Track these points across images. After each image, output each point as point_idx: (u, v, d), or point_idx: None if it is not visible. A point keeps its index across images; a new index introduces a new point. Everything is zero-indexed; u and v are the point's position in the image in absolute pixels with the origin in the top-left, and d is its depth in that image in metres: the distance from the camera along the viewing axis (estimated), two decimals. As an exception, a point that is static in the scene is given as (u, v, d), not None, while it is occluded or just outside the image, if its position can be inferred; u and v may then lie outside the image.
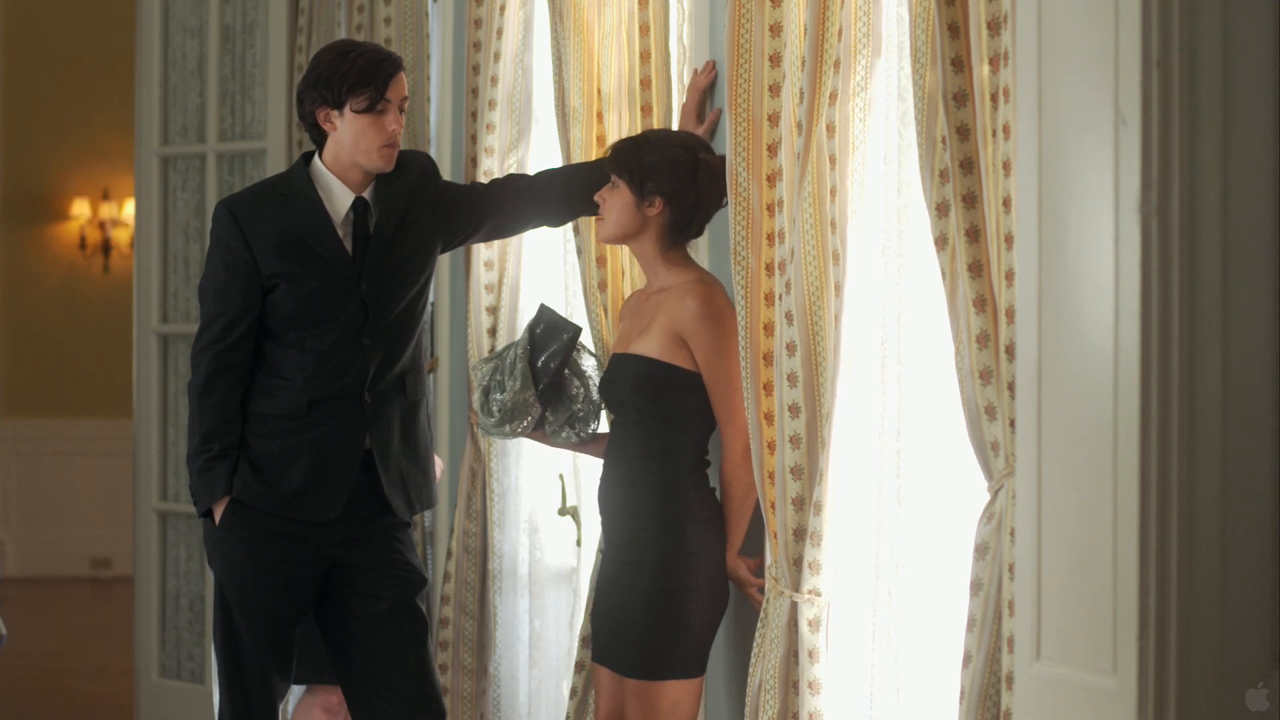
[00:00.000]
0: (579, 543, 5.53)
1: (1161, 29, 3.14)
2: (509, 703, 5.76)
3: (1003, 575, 3.71)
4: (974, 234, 3.79)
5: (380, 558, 4.78)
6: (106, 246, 12.76)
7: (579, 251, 5.20)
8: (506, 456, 5.75)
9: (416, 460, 4.84)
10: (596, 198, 4.65)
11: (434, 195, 4.84)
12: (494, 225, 4.98)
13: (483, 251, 5.66)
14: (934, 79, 3.86)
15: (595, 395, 4.83)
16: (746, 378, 4.47)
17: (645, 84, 4.98)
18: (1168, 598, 3.13)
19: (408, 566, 4.81)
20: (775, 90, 4.43)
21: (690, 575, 4.49)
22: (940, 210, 3.85)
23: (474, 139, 5.72)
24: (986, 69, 3.73)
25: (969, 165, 3.81)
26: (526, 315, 5.46)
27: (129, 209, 12.40)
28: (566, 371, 4.85)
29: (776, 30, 4.41)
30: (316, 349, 4.72)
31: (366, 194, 4.76)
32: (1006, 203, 3.68)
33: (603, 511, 4.67)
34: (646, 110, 4.98)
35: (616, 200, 4.60)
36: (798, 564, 4.33)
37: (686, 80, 4.92)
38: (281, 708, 4.91)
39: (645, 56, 4.97)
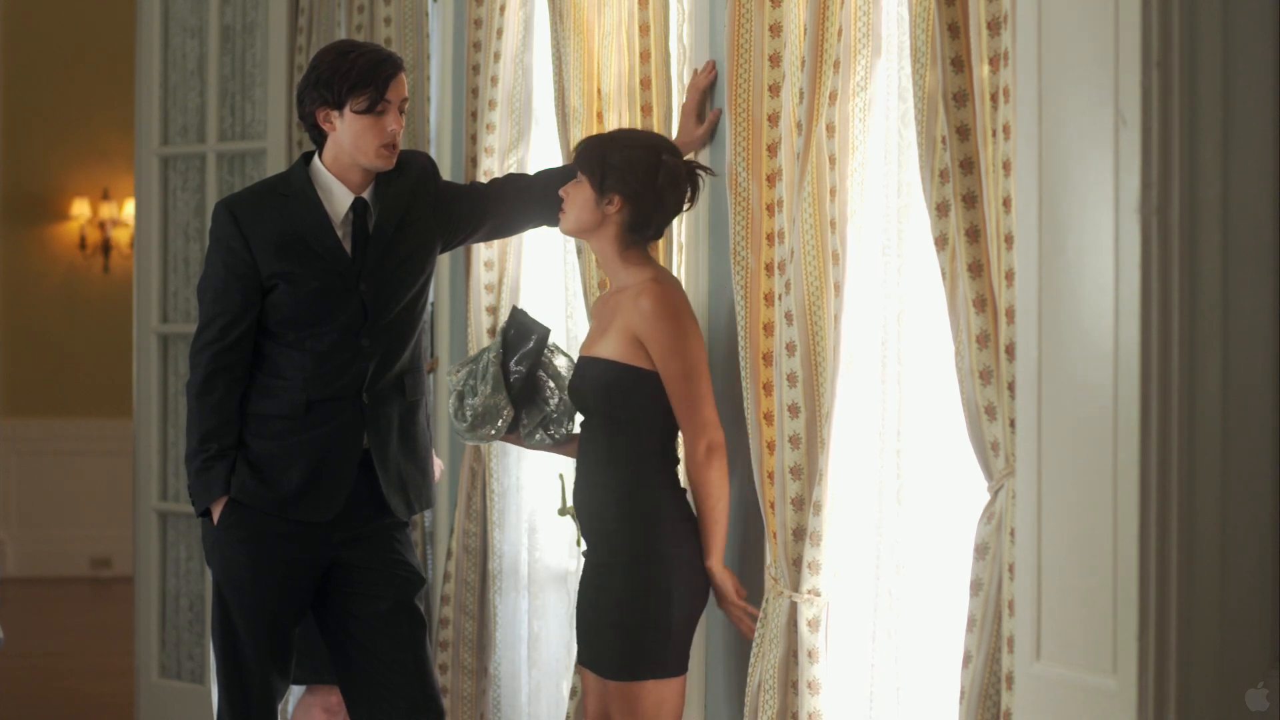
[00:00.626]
0: (579, 543, 5.53)
1: (1161, 29, 3.14)
2: (509, 703, 5.76)
3: (1003, 575, 3.71)
4: (974, 234, 3.80)
5: (379, 558, 4.78)
6: (106, 246, 12.76)
7: (579, 252, 5.20)
8: (506, 457, 5.75)
9: (415, 460, 4.84)
10: (561, 191, 4.65)
11: (434, 195, 4.84)
12: (494, 225, 4.98)
13: (483, 251, 5.66)
14: (934, 79, 3.86)
15: (568, 396, 4.84)
16: (746, 378, 4.47)
17: (645, 84, 4.98)
18: (1168, 598, 3.13)
19: (407, 567, 4.81)
20: (775, 90, 4.43)
21: (665, 575, 4.49)
22: (940, 210, 3.85)
23: (474, 139, 5.72)
24: (986, 69, 3.73)
25: (969, 165, 3.81)
26: (526, 315, 5.46)
27: (129, 209, 12.40)
28: (541, 374, 4.85)
29: (776, 30, 4.41)
30: (315, 349, 4.72)
31: (366, 194, 4.76)
32: (1006, 203, 3.68)
33: (578, 514, 4.68)
34: (646, 110, 4.98)
35: (578, 195, 4.60)
36: (797, 564, 4.33)
37: (686, 80, 4.92)
38: (281, 708, 4.91)
39: (645, 56, 4.97)
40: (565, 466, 5.53)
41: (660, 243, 4.98)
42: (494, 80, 5.65)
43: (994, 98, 3.71)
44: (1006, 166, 3.66)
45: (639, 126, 4.98)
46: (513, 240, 5.62)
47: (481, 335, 5.69)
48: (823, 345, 4.27)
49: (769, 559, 4.44)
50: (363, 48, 4.72)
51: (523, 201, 4.94)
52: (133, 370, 7.20)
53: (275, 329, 4.73)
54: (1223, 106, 3.16)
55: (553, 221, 5.02)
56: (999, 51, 3.69)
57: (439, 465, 5.46)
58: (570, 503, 4.92)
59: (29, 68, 12.59)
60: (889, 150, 4.24)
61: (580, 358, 4.67)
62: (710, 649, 4.85)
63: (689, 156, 4.88)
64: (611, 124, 5.07)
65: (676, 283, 4.63)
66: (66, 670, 9.48)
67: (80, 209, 12.75)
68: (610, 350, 4.55)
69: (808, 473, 4.30)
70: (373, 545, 4.79)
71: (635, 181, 4.54)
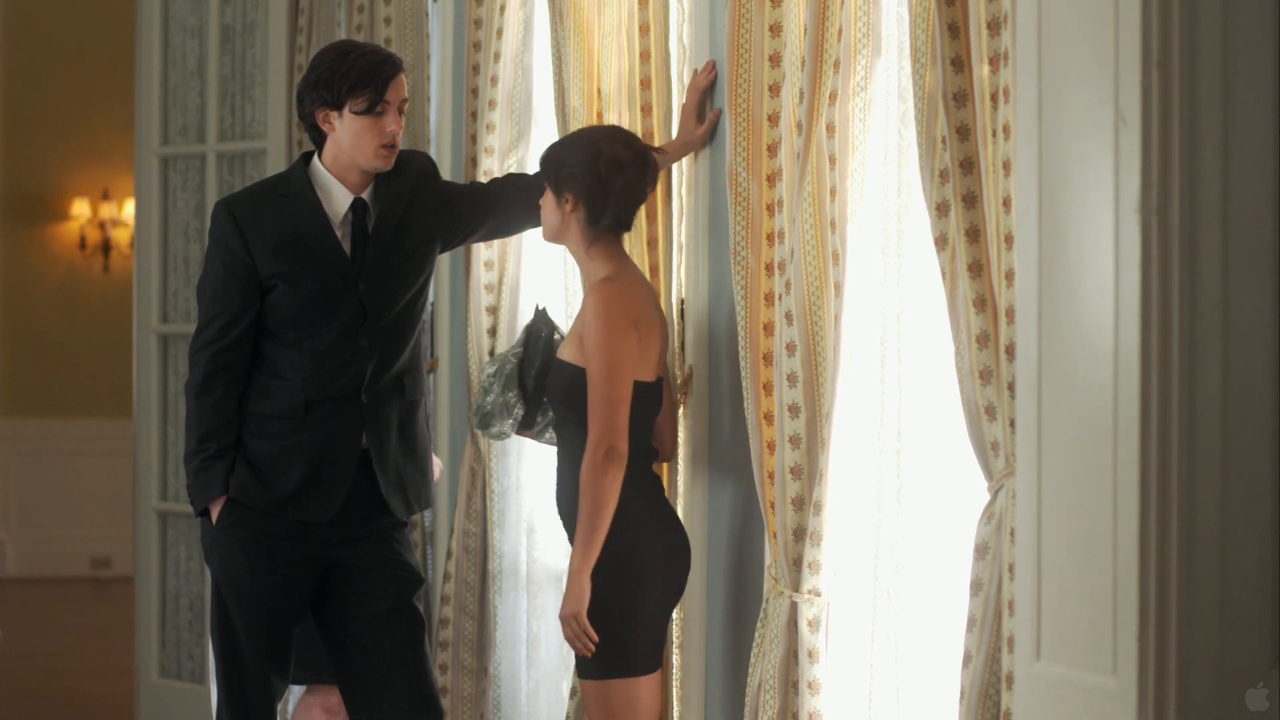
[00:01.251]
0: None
1: (1161, 29, 3.14)
2: (509, 703, 5.76)
3: (1003, 575, 3.71)
4: (974, 234, 3.80)
5: (378, 557, 4.78)
6: (106, 246, 12.76)
7: (579, 251, 5.20)
8: (506, 456, 5.75)
9: (414, 460, 4.84)
10: (541, 201, 4.69)
11: (433, 195, 4.84)
12: (494, 225, 4.98)
13: (483, 251, 5.66)
14: (934, 79, 3.86)
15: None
16: (746, 378, 4.48)
17: (645, 84, 4.98)
18: (1168, 598, 3.13)
19: (406, 566, 4.81)
20: (775, 90, 4.43)
21: (634, 574, 4.49)
22: (940, 210, 3.85)
23: (474, 139, 5.72)
24: (986, 69, 3.73)
25: (969, 165, 3.81)
26: (526, 315, 5.46)
27: (129, 209, 12.40)
28: None
29: (776, 30, 4.41)
30: (315, 349, 4.72)
31: (365, 194, 4.75)
32: (1006, 203, 3.68)
33: (558, 514, 4.69)
34: (646, 110, 4.98)
35: (546, 203, 4.65)
36: (797, 564, 4.33)
37: (686, 80, 4.92)
38: (281, 708, 4.91)
39: (645, 56, 4.97)
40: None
41: (660, 242, 4.98)
42: (494, 80, 5.65)
43: (994, 98, 3.71)
44: (1006, 166, 3.66)
45: (639, 126, 4.98)
46: (513, 240, 5.62)
47: (482, 335, 5.69)
48: (823, 345, 4.27)
49: (769, 559, 4.44)
50: (362, 48, 4.72)
51: (522, 201, 4.94)
52: (133, 370, 7.20)
53: (274, 329, 4.73)
54: (1223, 106, 3.16)
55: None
56: (999, 51, 3.69)
57: (438, 465, 5.46)
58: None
59: (29, 68, 12.59)
60: (889, 150, 4.24)
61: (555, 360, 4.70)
62: (710, 649, 4.85)
63: (689, 157, 4.89)
64: (611, 124, 5.07)
65: (634, 283, 4.60)
66: (66, 670, 9.48)
67: (80, 209, 12.75)
68: (568, 352, 4.59)
69: (808, 473, 4.30)
70: (372, 545, 4.79)
71: (581, 175, 4.55)
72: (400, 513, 4.81)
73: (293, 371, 4.73)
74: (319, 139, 4.74)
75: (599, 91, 5.10)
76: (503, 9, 5.63)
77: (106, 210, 12.75)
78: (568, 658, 5.58)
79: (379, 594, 4.77)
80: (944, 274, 3.87)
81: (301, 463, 4.71)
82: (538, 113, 5.69)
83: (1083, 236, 3.26)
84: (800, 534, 4.33)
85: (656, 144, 4.94)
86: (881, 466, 4.29)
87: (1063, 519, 3.31)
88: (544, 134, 5.66)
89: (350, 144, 4.69)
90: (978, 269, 3.78)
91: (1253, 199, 3.18)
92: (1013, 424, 3.67)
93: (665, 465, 4.93)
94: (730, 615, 4.76)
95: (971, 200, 3.80)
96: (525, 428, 4.91)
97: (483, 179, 5.58)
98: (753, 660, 4.45)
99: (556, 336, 4.92)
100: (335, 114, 4.68)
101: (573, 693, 5.19)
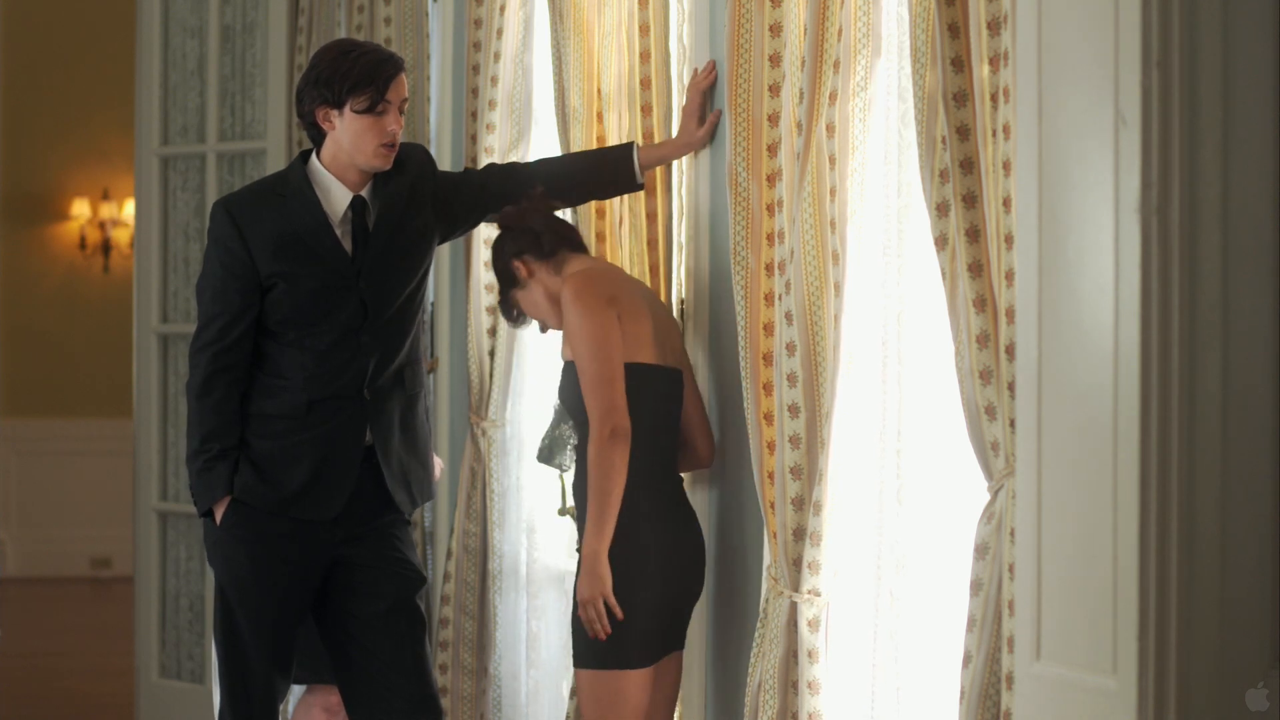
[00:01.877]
0: (579, 545, 5.53)
1: (1161, 29, 3.14)
2: (509, 703, 5.76)
3: (1003, 575, 3.71)
4: (974, 234, 3.79)
5: (381, 555, 4.78)
6: (106, 246, 12.76)
7: (579, 251, 5.20)
8: (507, 457, 5.75)
9: (416, 454, 4.85)
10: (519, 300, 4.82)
11: (432, 189, 4.84)
12: (492, 216, 4.98)
13: (483, 251, 5.66)
14: (934, 79, 3.86)
15: None
16: (746, 378, 4.47)
17: (645, 84, 4.98)
18: (1168, 598, 3.13)
19: (408, 565, 4.81)
20: (775, 90, 4.43)
21: (633, 569, 4.51)
22: (940, 210, 3.85)
23: (474, 139, 5.72)
24: (986, 69, 3.73)
25: (969, 165, 3.81)
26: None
27: (129, 209, 12.40)
28: None
29: (776, 30, 4.41)
30: (316, 348, 4.72)
31: (364, 192, 4.75)
32: (1006, 203, 3.68)
33: (575, 515, 4.75)
34: (646, 110, 4.98)
35: (524, 299, 4.78)
36: (797, 564, 4.33)
37: (686, 80, 4.92)
38: (281, 708, 4.91)
39: (645, 56, 4.97)
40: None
41: (660, 242, 4.99)
42: (494, 80, 5.65)
43: (994, 98, 3.71)
44: (1006, 166, 3.66)
45: (639, 126, 4.98)
46: (513, 240, 5.62)
47: (482, 335, 5.69)
48: (823, 345, 4.27)
49: (769, 559, 4.43)
50: (363, 47, 4.72)
51: (520, 194, 4.92)
52: (133, 370, 7.20)
53: (275, 328, 4.73)
54: (1223, 106, 3.16)
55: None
56: (999, 51, 3.69)
57: (439, 464, 5.46)
58: (570, 503, 4.94)
59: (29, 68, 12.59)
60: (889, 150, 4.24)
61: None
62: (710, 649, 4.85)
63: (689, 156, 4.89)
64: (611, 124, 5.07)
65: (605, 270, 4.71)
66: (66, 670, 9.48)
67: (80, 209, 12.75)
68: (564, 352, 4.67)
69: (808, 473, 4.30)
70: (374, 543, 4.79)
71: (501, 258, 4.78)
72: (405, 506, 4.81)
73: (294, 371, 4.73)
74: (318, 137, 4.73)
75: (599, 91, 5.11)
76: (503, 9, 5.63)
77: (106, 210, 12.75)
78: (568, 658, 5.58)
79: (380, 592, 4.77)
80: (944, 274, 3.87)
81: (306, 461, 4.71)
82: (538, 113, 5.69)
83: (1083, 236, 3.26)
84: (800, 534, 4.32)
85: (656, 143, 4.95)
86: (881, 466, 4.29)
87: (1063, 519, 3.31)
88: (544, 134, 5.66)
89: (350, 143, 4.68)
90: (978, 269, 3.78)
91: (1253, 199, 3.18)
92: (1013, 424, 3.67)
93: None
94: (730, 615, 4.76)
95: (971, 200, 3.80)
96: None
97: (480, 171, 5.58)
98: (752, 660, 4.44)
99: None
100: (335, 113, 4.67)
101: (572, 693, 5.19)
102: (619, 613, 4.48)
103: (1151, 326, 3.14)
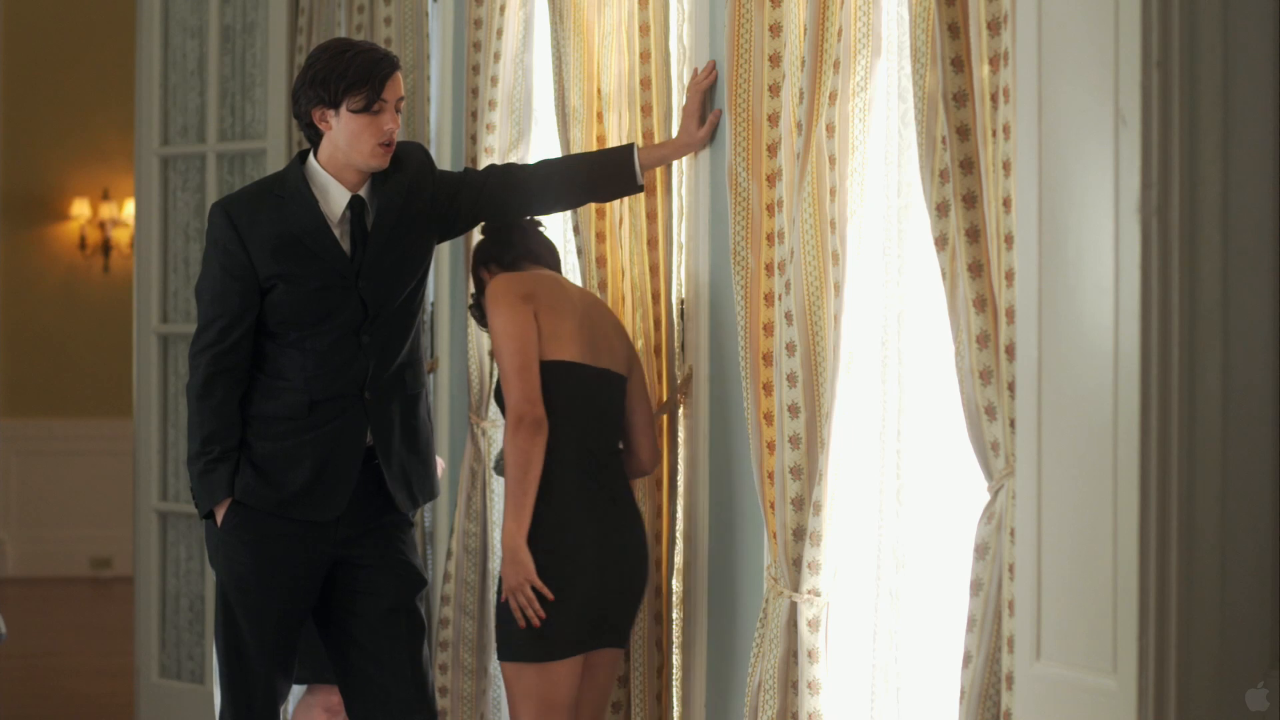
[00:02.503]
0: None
1: (1161, 29, 3.14)
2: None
3: (1003, 575, 3.71)
4: (974, 234, 3.79)
5: (382, 555, 4.78)
6: (106, 246, 12.76)
7: (579, 252, 5.20)
8: (506, 456, 5.75)
9: (417, 453, 4.84)
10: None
11: (431, 189, 4.83)
12: (491, 217, 4.98)
13: (483, 251, 5.66)
14: (934, 79, 3.86)
15: None
16: (746, 378, 4.48)
17: (645, 84, 4.98)
18: (1168, 598, 3.13)
19: (409, 567, 4.81)
20: (775, 90, 4.43)
21: (556, 562, 4.67)
22: (940, 210, 3.85)
23: (474, 139, 5.72)
24: (986, 69, 3.73)
25: (969, 165, 3.81)
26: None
27: (129, 209, 12.40)
28: None
29: (776, 30, 4.41)
30: (316, 348, 4.71)
31: (363, 191, 4.75)
32: (1006, 203, 3.68)
33: None
34: (646, 110, 4.98)
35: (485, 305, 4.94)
36: (797, 564, 4.33)
37: (686, 80, 4.92)
38: (281, 708, 4.91)
39: (645, 56, 4.97)
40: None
41: (660, 242, 4.99)
42: (494, 80, 5.65)
43: (994, 98, 3.71)
44: (1006, 166, 3.66)
45: (639, 126, 4.98)
46: (513, 240, 5.62)
47: (481, 335, 5.69)
48: (823, 345, 4.27)
49: (769, 559, 4.44)
50: (359, 46, 4.71)
51: (521, 193, 4.92)
52: (133, 370, 7.20)
53: (275, 329, 4.73)
54: (1223, 106, 3.16)
55: (550, 212, 5.03)
56: (999, 51, 3.69)
57: (440, 464, 5.46)
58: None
59: (29, 68, 12.59)
60: (889, 150, 4.24)
61: None
62: (710, 649, 4.85)
63: (689, 156, 4.89)
64: (611, 124, 5.07)
65: (528, 274, 4.86)
66: (66, 670, 9.48)
67: (80, 209, 12.75)
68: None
69: (808, 473, 4.30)
70: (376, 543, 4.78)
71: (475, 262, 5.07)
72: (405, 506, 4.81)
73: (295, 372, 4.72)
74: (315, 138, 4.73)
75: (599, 91, 5.11)
76: (503, 9, 5.63)
77: (106, 210, 12.74)
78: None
79: (381, 592, 4.76)
80: (944, 274, 3.87)
81: (307, 462, 4.71)
82: (538, 113, 5.70)
83: (1083, 236, 3.26)
84: (800, 534, 4.33)
85: (656, 143, 4.95)
86: (881, 466, 4.29)
87: (1063, 519, 3.31)
88: (544, 134, 5.66)
89: (347, 142, 4.68)
90: (978, 269, 3.78)
91: (1253, 199, 3.18)
92: (1013, 424, 3.67)
93: (654, 472, 4.94)
94: (730, 615, 4.76)
95: (971, 200, 3.80)
96: None
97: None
98: (752, 660, 4.45)
99: None
100: (332, 112, 4.67)
101: (573, 693, 5.19)
102: (549, 594, 4.60)
103: (1151, 326, 3.14)
